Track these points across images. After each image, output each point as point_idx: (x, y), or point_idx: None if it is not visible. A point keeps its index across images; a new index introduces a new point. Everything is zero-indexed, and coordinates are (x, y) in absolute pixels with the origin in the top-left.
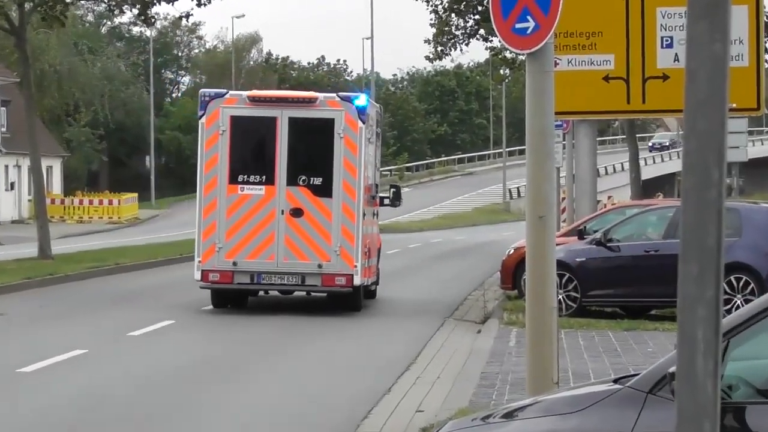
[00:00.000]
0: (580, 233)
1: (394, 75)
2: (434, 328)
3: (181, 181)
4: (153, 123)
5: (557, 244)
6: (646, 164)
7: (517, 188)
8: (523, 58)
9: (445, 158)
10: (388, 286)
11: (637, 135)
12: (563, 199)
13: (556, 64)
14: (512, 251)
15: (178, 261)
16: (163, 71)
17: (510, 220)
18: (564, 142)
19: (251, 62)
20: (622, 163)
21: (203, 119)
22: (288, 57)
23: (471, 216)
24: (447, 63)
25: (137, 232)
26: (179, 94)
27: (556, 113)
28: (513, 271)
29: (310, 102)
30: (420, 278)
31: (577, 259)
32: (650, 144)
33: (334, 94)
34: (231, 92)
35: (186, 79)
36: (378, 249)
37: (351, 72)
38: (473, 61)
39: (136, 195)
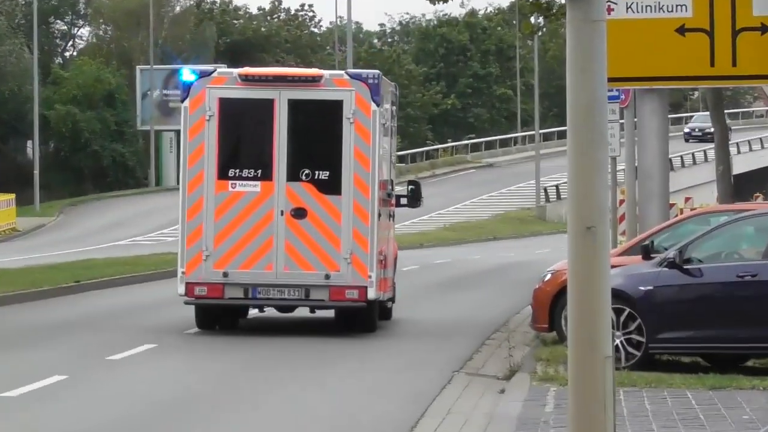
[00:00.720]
0: (646, 251)
1: (381, 26)
2: (438, 385)
3: (78, 177)
4: (37, 93)
5: (613, 266)
6: (739, 152)
7: (556, 187)
8: (563, 1)
9: (453, 144)
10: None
11: (727, 111)
12: (622, 202)
13: (609, 10)
14: (549, 277)
15: (80, 290)
16: (52, 21)
17: (545, 233)
18: (622, 121)
19: (177, 7)
20: (705, 152)
21: (186, 102)
22: (230, 0)
23: (490, 226)
24: (455, 8)
25: (13, 250)
26: (74, 53)
27: (610, 80)
28: (550, 306)
29: (313, 81)
30: (418, 314)
31: (642, 288)
32: (686, 130)
33: (343, 72)
34: (219, 70)
35: (84, 32)
36: (394, 258)
37: (320, 22)
38: (492, 6)
39: (12, 197)
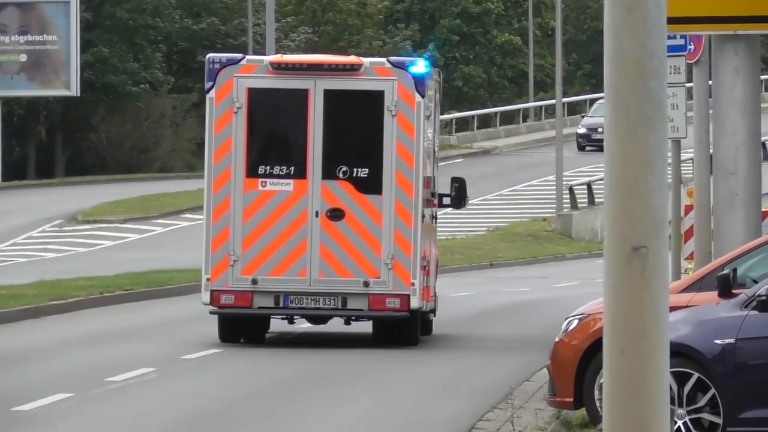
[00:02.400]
0: (725, 284)
1: None
2: None
3: None
4: None
5: (674, 308)
6: None
7: (588, 185)
8: None
9: None
10: (310, 401)
11: None
12: (688, 210)
13: None
14: (575, 325)
15: None
16: None
17: (570, 256)
18: (690, 85)
19: None
20: None
21: (212, 93)
22: None
23: (486, 246)
24: None
25: None
26: None
27: (671, 21)
28: (577, 369)
29: (352, 69)
30: (375, 382)
31: (718, 342)
32: (578, 130)
33: (384, 60)
34: (248, 57)
35: None
36: (437, 265)
37: None
38: None
39: None
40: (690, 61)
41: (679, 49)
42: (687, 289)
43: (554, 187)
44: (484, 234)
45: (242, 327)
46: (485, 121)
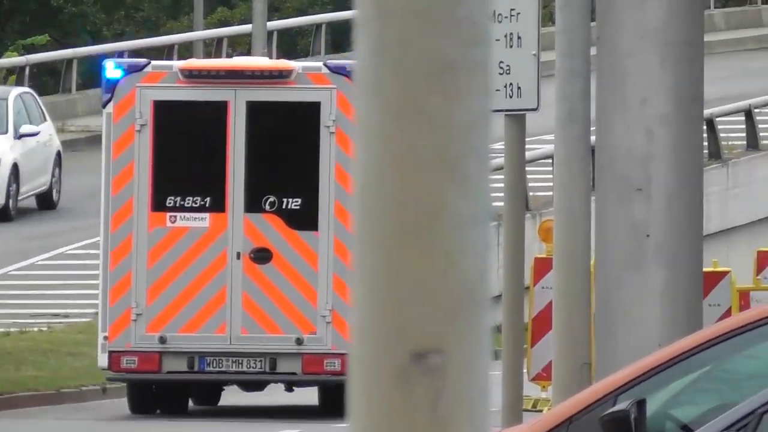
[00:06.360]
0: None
1: None
2: None
3: None
4: None
5: None
6: None
7: None
8: None
9: None
10: None
11: None
12: (541, 268)
13: None
14: None
15: None
16: None
17: None
18: None
19: None
20: None
21: (110, 107)
22: None
23: None
24: None
25: None
26: None
27: None
28: None
29: (281, 76)
30: None
31: None
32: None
33: (320, 64)
34: (154, 63)
35: None
36: None
37: None
38: None
39: None
40: None
41: None
42: None
43: None
44: None
45: (158, 396)
46: None
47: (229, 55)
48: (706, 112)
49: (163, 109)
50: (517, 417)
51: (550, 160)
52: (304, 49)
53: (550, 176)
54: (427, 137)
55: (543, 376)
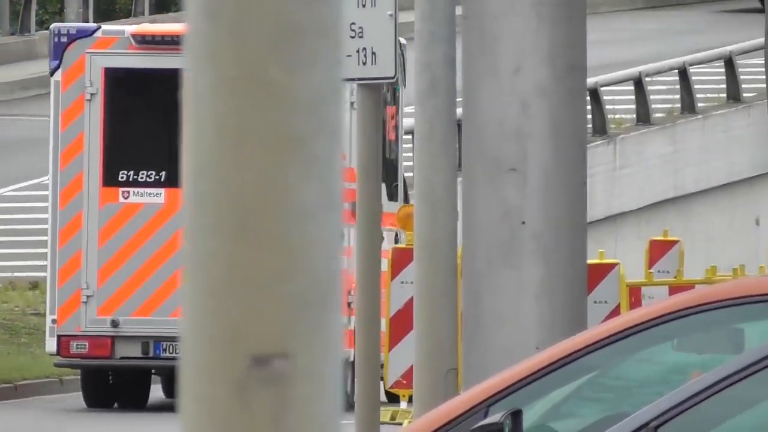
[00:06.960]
0: None
1: None
2: None
3: None
4: None
5: None
6: None
7: None
8: None
9: None
10: None
11: None
12: (400, 262)
13: None
14: None
15: None
16: None
17: None
18: None
19: None
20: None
21: (58, 74)
22: None
23: None
24: None
25: None
26: None
27: None
28: None
29: None
30: None
31: None
32: None
33: None
34: (104, 27)
35: None
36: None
37: None
38: None
39: None
40: None
41: None
42: None
43: None
44: None
45: (116, 386)
46: None
47: (37, 15)
48: (590, 81)
49: (114, 77)
50: (373, 431)
51: (410, 137)
52: (124, 9)
53: (410, 155)
54: (267, 112)
55: (403, 384)
